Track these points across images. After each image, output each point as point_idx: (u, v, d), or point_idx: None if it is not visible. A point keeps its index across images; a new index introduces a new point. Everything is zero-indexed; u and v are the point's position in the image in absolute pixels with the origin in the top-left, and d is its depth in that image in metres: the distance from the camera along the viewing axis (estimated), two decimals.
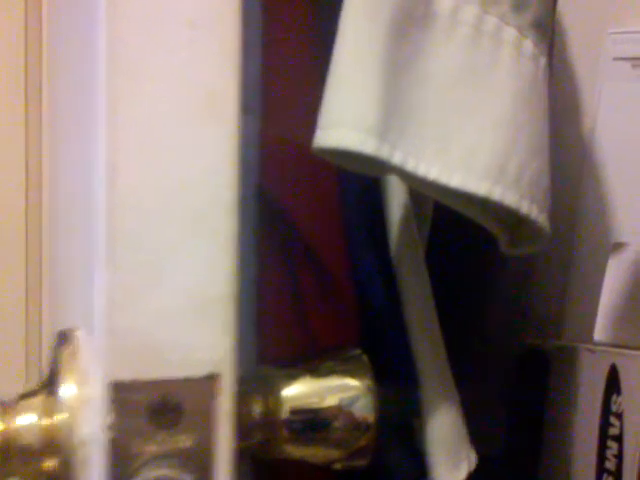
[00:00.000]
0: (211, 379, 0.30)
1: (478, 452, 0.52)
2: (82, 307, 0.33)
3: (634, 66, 0.58)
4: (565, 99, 0.62)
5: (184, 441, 0.30)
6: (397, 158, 0.36)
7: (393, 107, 0.36)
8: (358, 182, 0.45)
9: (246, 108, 0.41)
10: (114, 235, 0.29)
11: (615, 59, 0.59)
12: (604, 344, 0.57)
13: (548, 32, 0.42)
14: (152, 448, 0.30)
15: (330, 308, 0.44)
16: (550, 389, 0.61)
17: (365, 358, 0.42)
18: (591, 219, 0.61)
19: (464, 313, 0.59)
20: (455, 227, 0.48)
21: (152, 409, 0.30)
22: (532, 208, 0.39)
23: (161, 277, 0.30)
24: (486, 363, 0.61)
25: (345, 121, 0.35)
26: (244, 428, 0.38)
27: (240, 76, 0.31)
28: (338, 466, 0.43)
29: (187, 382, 0.30)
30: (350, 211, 0.45)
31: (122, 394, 0.29)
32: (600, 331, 0.58)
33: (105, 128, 0.29)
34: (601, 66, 0.59)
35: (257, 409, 0.39)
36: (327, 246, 0.44)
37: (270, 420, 0.40)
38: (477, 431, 0.58)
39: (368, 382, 0.41)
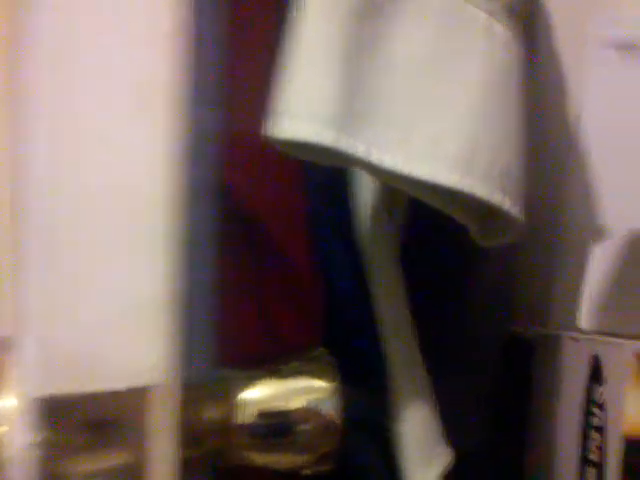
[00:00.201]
0: (146, 390, 0.28)
1: (461, 444, 0.51)
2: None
3: (620, 52, 0.57)
4: (550, 86, 0.60)
5: (120, 458, 0.28)
6: (359, 149, 0.34)
7: (354, 95, 0.34)
8: (323, 170, 0.43)
9: (203, 100, 0.39)
10: (36, 239, 0.27)
11: (601, 45, 0.58)
12: (589, 332, 0.56)
13: (522, 18, 0.40)
14: (85, 466, 0.28)
15: (294, 304, 0.42)
16: (534, 379, 0.60)
17: (330, 358, 0.40)
18: (577, 205, 0.60)
19: (445, 301, 0.57)
20: (435, 213, 0.46)
21: (84, 425, 0.28)
22: (505, 200, 0.37)
23: (91, 285, 0.28)
24: (469, 352, 0.60)
25: (301, 111, 0.33)
26: (196, 436, 0.36)
27: (179, 65, 0.28)
28: (305, 472, 0.42)
29: (121, 395, 0.28)
30: (315, 200, 0.43)
31: (51, 409, 0.27)
32: (585, 318, 0.57)
33: (23, 121, 0.27)
34: (587, 52, 0.58)
35: (212, 415, 0.37)
36: (289, 238, 0.42)
37: (228, 426, 0.39)
38: (460, 422, 0.56)
39: (333, 383, 0.39)
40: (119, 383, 0.29)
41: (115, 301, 0.28)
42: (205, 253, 0.38)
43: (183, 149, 0.29)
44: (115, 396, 0.28)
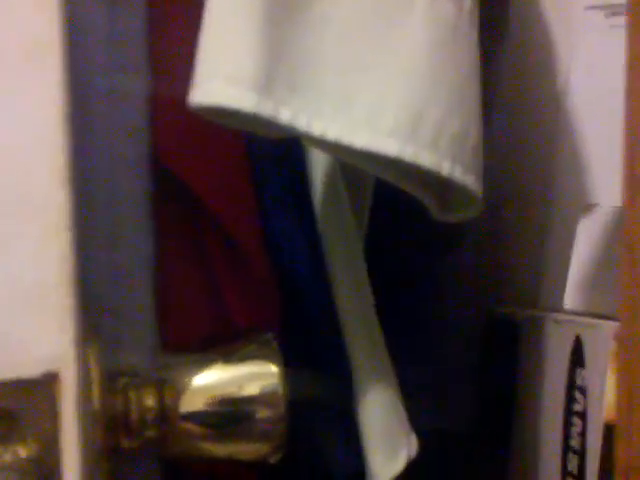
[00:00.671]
0: (49, 379, 0.26)
1: (447, 424, 0.49)
2: None
3: (607, 15, 0.54)
4: (537, 52, 0.58)
5: (23, 452, 0.26)
6: (284, 115, 0.32)
7: (280, 57, 0.32)
8: (273, 140, 0.40)
9: (130, 65, 0.37)
10: None
11: (587, 8, 0.55)
12: (572, 312, 0.54)
13: None
14: None
15: (244, 286, 0.40)
16: (520, 362, 0.58)
17: (274, 342, 0.38)
18: (566, 180, 0.58)
19: (427, 280, 0.55)
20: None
21: None
22: (455, 169, 0.35)
23: None
24: (451, 334, 0.58)
25: (220, 74, 0.31)
26: (133, 425, 0.34)
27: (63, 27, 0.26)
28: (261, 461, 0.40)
29: (20, 384, 0.26)
30: (262, 171, 0.41)
31: None
32: (569, 298, 0.55)
33: None
34: (573, 16, 0.55)
35: (153, 403, 0.36)
36: (237, 217, 0.40)
37: (173, 414, 0.37)
38: (445, 405, 0.55)
39: (283, 368, 0.37)
40: (25, 370, 0.27)
41: (9, 284, 0.26)
42: (137, 232, 0.36)
43: (70, 119, 0.27)
44: (18, 385, 0.26)
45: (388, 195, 0.43)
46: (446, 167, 0.34)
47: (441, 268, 0.57)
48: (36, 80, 0.26)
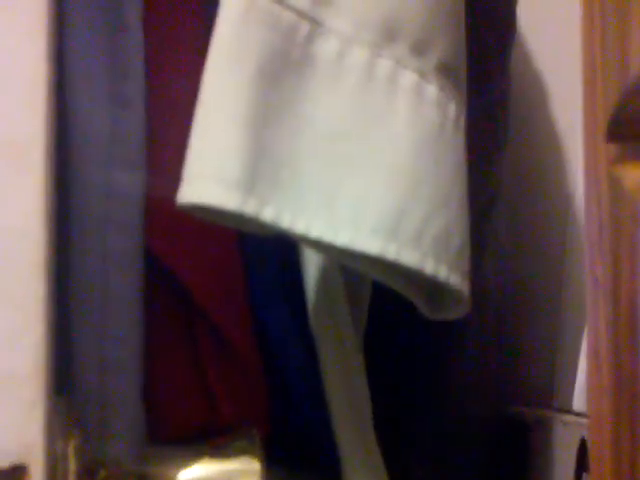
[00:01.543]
0: (17, 471, 0.27)
1: None
2: None
3: None
4: (545, 152, 0.59)
5: None
6: (268, 214, 0.32)
7: (263, 158, 0.33)
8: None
9: (129, 163, 0.38)
10: None
11: None
12: (582, 414, 0.53)
13: (460, 74, 0.38)
14: None
15: (233, 376, 0.40)
16: (530, 463, 0.57)
17: (257, 438, 0.38)
18: (577, 283, 0.57)
19: (434, 375, 0.55)
20: None
21: None
22: (439, 268, 0.35)
23: None
24: (462, 433, 0.57)
25: (206, 174, 0.32)
26: None
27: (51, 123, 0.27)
28: None
29: None
30: (254, 264, 0.41)
31: None
32: (579, 399, 0.54)
33: None
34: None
35: None
36: (226, 308, 0.40)
37: None
38: None
39: (255, 464, 0.37)
40: None
41: None
42: (127, 325, 0.37)
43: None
44: None
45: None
46: (429, 266, 0.34)
47: (449, 364, 0.57)
48: (18, 175, 0.27)
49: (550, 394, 0.57)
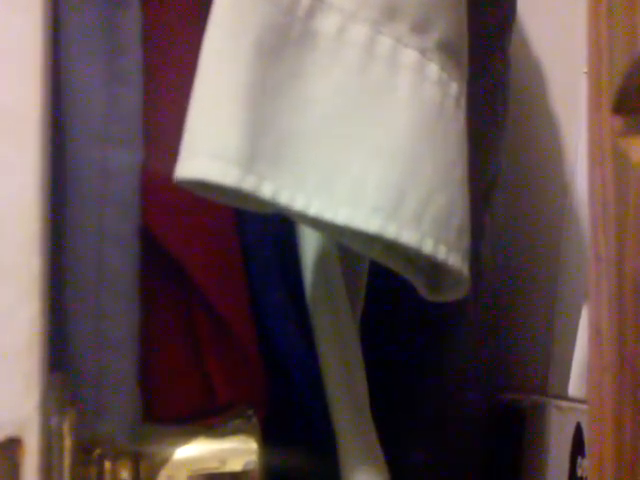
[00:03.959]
0: (12, 445, 0.26)
1: None
2: None
3: None
4: (543, 140, 0.58)
5: None
6: (267, 190, 0.32)
7: (263, 134, 0.32)
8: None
9: (125, 140, 0.38)
10: None
11: None
12: (577, 399, 0.53)
13: (461, 54, 0.38)
14: None
15: (230, 356, 0.40)
16: (525, 449, 0.57)
17: (254, 418, 0.37)
18: (572, 269, 0.57)
19: (429, 362, 0.54)
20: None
21: None
22: (439, 248, 0.35)
23: None
24: (457, 420, 0.57)
25: (204, 149, 0.32)
26: None
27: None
28: None
29: None
30: (252, 247, 0.41)
31: None
32: (574, 385, 0.54)
33: None
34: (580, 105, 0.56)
35: (127, 475, 0.35)
36: (223, 288, 0.40)
37: None
38: None
39: (254, 444, 0.37)
40: None
41: None
42: (124, 304, 0.37)
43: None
44: None
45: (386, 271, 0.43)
46: (429, 245, 0.34)
47: (444, 350, 0.57)
48: (11, 148, 0.27)
49: (545, 380, 0.57)
